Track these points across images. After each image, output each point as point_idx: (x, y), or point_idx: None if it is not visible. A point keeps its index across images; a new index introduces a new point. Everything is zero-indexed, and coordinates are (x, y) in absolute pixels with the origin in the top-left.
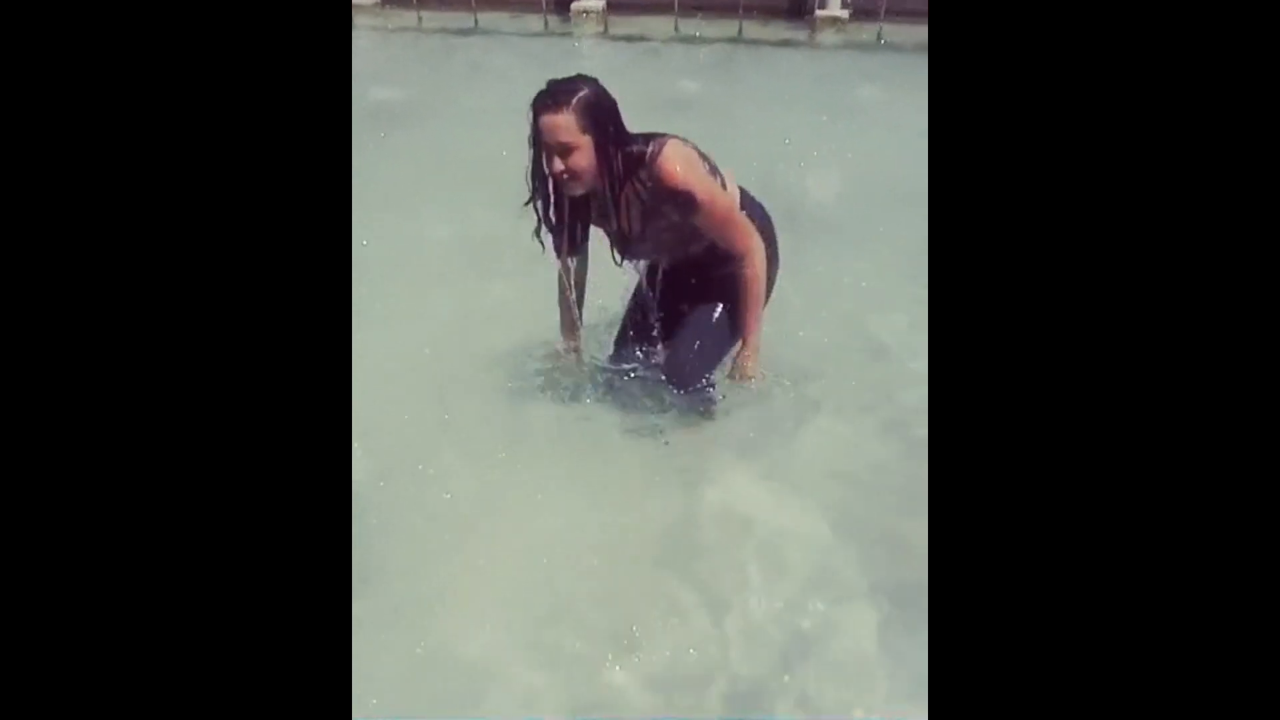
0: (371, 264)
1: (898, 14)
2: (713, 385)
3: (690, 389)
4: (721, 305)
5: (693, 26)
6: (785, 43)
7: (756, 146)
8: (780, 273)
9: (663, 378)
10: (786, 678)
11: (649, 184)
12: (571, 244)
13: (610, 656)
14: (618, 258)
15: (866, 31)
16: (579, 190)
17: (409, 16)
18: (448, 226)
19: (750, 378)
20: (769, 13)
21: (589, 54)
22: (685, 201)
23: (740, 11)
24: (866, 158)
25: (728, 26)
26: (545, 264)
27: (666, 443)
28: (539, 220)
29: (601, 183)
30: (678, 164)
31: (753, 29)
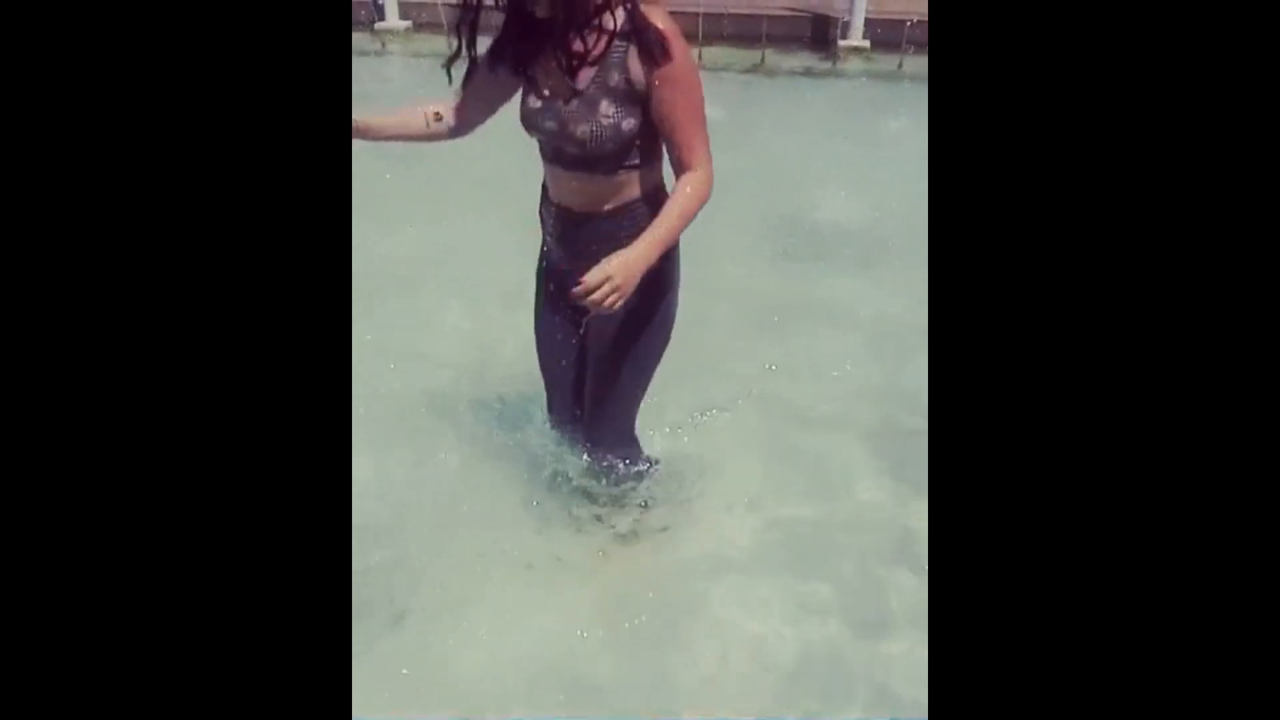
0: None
1: (919, 45)
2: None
3: (613, 453)
4: (641, 333)
5: (716, 55)
6: (808, 72)
7: (782, 174)
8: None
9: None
10: None
11: (627, 27)
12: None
13: None
14: (533, 109)
15: (888, 62)
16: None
17: (439, 42)
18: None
19: (613, 291)
20: (792, 42)
21: None
22: (659, 52)
23: (763, 40)
24: (889, 186)
25: (751, 55)
26: None
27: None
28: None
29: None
30: (671, 29)
31: (775, 58)
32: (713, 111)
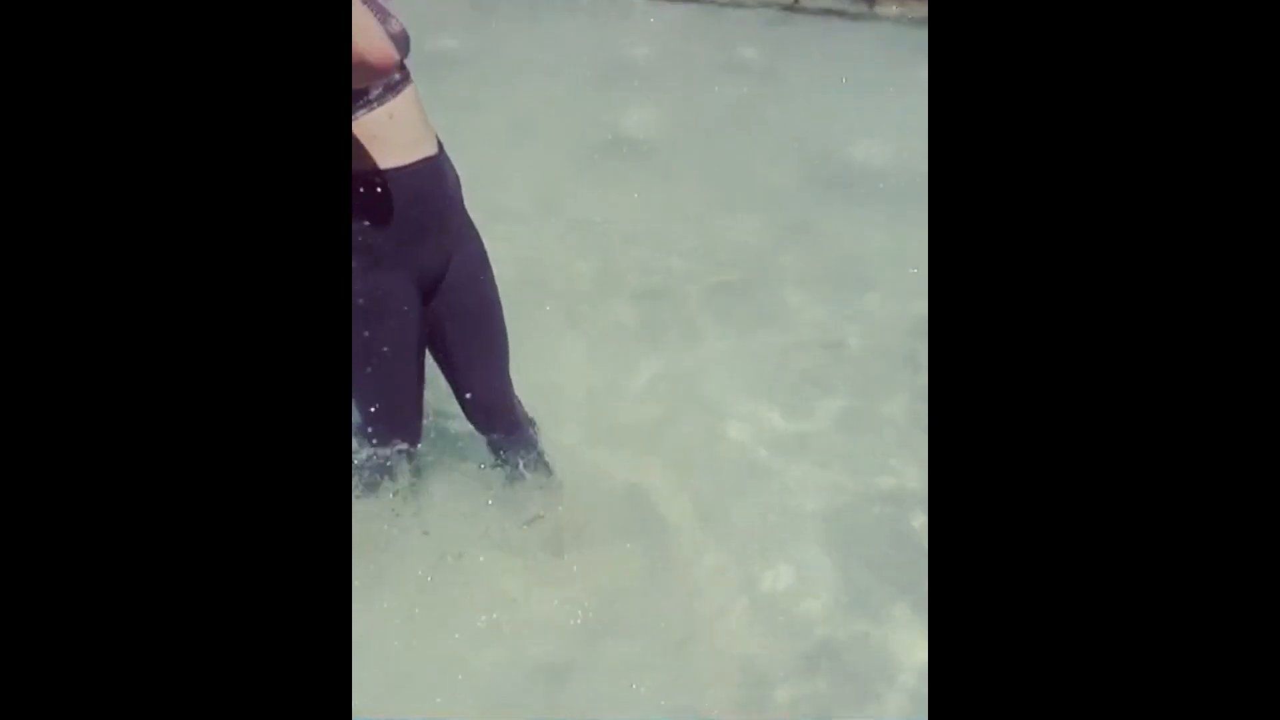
0: None
1: None
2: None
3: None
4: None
5: None
6: (843, 14)
7: (813, 115)
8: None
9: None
10: None
11: None
12: None
13: None
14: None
15: (924, 8)
16: None
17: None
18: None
19: None
20: None
21: (645, 13)
22: None
23: None
24: (918, 134)
25: None
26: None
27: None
28: None
29: None
30: None
31: None
32: (744, 49)
